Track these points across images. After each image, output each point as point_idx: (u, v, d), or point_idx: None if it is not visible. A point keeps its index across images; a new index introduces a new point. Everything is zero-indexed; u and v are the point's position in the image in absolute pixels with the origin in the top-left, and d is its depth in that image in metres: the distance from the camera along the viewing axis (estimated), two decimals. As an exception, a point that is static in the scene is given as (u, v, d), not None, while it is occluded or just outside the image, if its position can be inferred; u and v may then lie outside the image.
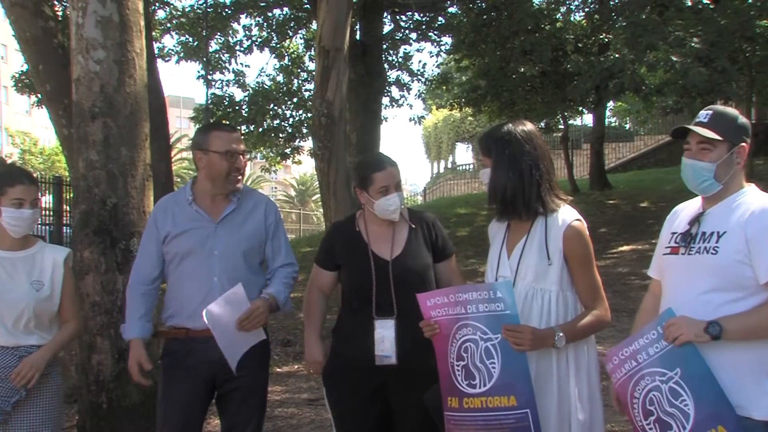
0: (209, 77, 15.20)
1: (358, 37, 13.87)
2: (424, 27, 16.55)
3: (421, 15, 16.11)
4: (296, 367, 7.02)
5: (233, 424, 3.05)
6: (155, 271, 3.10)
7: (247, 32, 16.70)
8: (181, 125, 44.71)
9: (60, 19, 7.23)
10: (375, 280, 2.89)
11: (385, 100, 17.12)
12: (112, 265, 4.09)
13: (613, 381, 2.40)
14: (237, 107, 16.52)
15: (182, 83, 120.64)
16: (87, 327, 3.98)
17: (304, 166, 27.20)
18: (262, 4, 15.67)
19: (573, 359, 2.50)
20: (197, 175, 3.15)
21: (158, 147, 9.48)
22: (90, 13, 4.09)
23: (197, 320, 2.95)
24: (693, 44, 11.52)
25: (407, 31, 16.98)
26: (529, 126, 2.61)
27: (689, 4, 14.14)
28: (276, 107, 17.15)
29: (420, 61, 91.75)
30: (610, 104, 24.47)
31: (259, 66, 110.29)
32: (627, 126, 32.24)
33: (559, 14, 16.00)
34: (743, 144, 2.35)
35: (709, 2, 14.00)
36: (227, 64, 16.83)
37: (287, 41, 17.28)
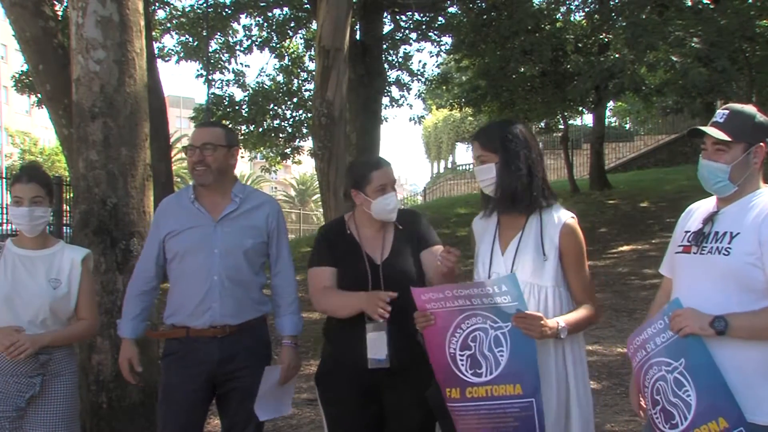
0: (209, 77, 15.20)
1: (358, 37, 13.89)
2: (424, 27, 16.57)
3: (421, 15, 16.12)
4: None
5: (233, 424, 3.05)
6: (153, 271, 3.11)
7: (247, 32, 16.75)
8: (181, 125, 44.69)
9: (60, 19, 7.24)
10: (371, 282, 2.85)
11: (385, 100, 17.15)
12: (112, 265, 4.09)
13: (633, 367, 2.43)
14: (237, 107, 16.54)
15: (182, 83, 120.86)
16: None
17: (304, 166, 27.23)
18: (262, 4, 15.68)
19: (570, 352, 2.53)
20: None
21: (158, 147, 9.50)
22: (90, 13, 4.09)
23: (197, 319, 2.97)
24: (693, 44, 11.54)
25: (407, 31, 17.01)
26: (523, 125, 2.68)
27: (689, 4, 14.16)
28: (276, 107, 17.17)
29: (420, 61, 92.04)
30: (610, 104, 24.48)
31: (259, 66, 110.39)
32: (627, 126, 32.24)
33: (559, 14, 16.01)
34: (761, 144, 2.29)
35: (709, 2, 14.01)
36: (227, 64, 16.88)
37: (287, 41, 17.29)
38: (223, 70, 16.85)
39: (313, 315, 9.05)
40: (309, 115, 15.98)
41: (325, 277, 2.92)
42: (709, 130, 2.31)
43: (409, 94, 18.17)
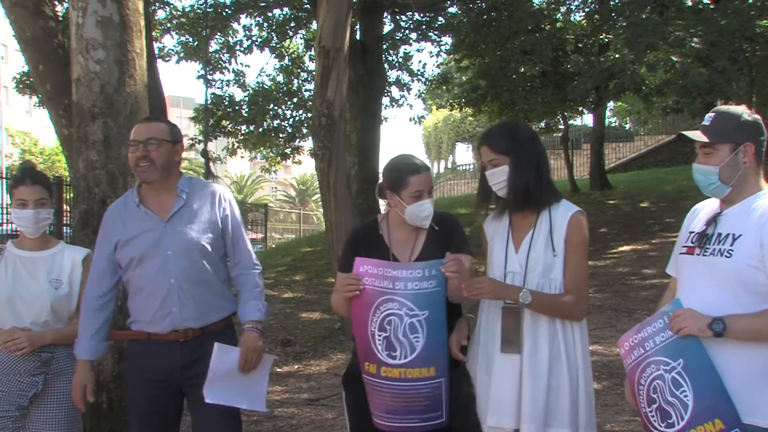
0: (209, 77, 15.20)
1: (358, 37, 13.87)
2: (424, 27, 16.55)
3: (421, 15, 16.11)
4: (296, 367, 7.02)
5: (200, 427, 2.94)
6: (107, 283, 2.95)
7: (247, 32, 16.71)
8: (181, 125, 44.50)
9: (60, 19, 7.23)
10: None
11: (385, 100, 17.12)
12: (112, 265, 4.08)
13: (625, 366, 2.44)
14: (237, 107, 16.52)
15: (182, 83, 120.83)
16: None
17: (304, 166, 27.20)
18: (262, 4, 15.66)
19: (579, 337, 2.60)
20: None
21: (158, 147, 9.44)
22: (90, 13, 4.09)
23: (157, 325, 2.87)
24: (693, 44, 11.54)
25: (407, 31, 16.98)
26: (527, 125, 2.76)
27: (689, 4, 14.16)
28: (276, 107, 17.14)
29: (420, 61, 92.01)
30: (610, 104, 24.52)
31: (259, 66, 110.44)
32: (627, 126, 32.27)
33: (559, 14, 16.02)
34: (749, 143, 2.28)
35: (709, 2, 14.02)
36: (227, 64, 16.84)
37: (287, 41, 17.28)
38: (223, 70, 16.85)
39: (313, 315, 9.06)
40: (309, 115, 15.97)
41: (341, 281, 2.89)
42: (692, 134, 2.32)
43: (409, 94, 18.14)
